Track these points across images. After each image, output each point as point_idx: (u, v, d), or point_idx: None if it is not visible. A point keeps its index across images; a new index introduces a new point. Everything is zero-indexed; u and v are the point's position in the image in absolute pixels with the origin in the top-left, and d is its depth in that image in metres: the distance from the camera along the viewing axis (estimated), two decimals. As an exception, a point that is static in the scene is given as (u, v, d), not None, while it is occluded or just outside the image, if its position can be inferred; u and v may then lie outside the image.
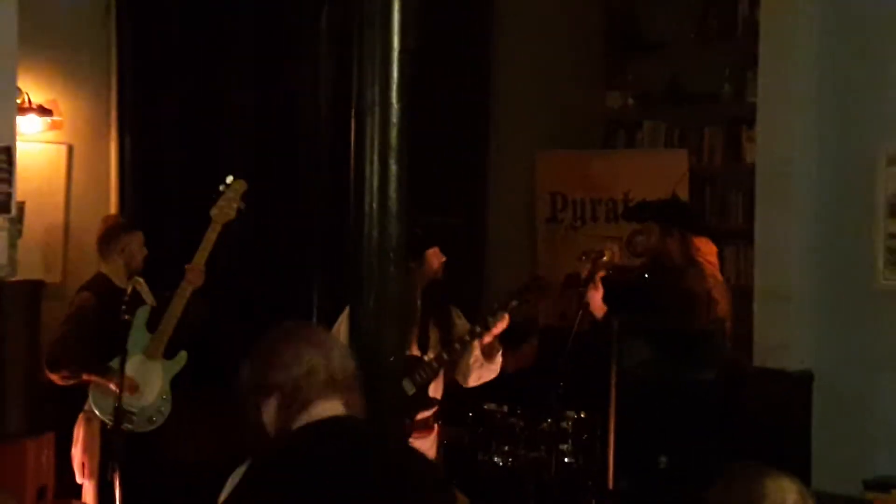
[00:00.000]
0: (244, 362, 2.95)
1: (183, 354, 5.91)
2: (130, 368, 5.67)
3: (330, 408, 2.85)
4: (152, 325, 5.84)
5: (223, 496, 2.76)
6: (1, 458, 5.01)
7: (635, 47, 8.53)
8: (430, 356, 5.58)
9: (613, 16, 8.64)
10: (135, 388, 5.70)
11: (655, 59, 8.43)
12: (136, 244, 6.05)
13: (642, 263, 6.31)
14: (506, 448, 6.38)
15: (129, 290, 5.62)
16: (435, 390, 5.64)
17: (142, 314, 5.81)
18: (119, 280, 5.98)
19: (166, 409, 5.83)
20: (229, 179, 5.90)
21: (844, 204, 5.31)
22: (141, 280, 5.89)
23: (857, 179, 5.26)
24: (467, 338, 5.55)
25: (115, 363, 5.68)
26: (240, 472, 2.78)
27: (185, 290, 5.81)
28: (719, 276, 6.31)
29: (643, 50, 8.50)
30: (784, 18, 5.51)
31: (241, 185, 5.89)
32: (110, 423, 5.74)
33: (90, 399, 5.80)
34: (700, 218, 7.36)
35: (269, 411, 2.88)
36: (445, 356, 5.54)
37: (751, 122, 6.35)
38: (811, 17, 5.38)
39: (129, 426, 5.75)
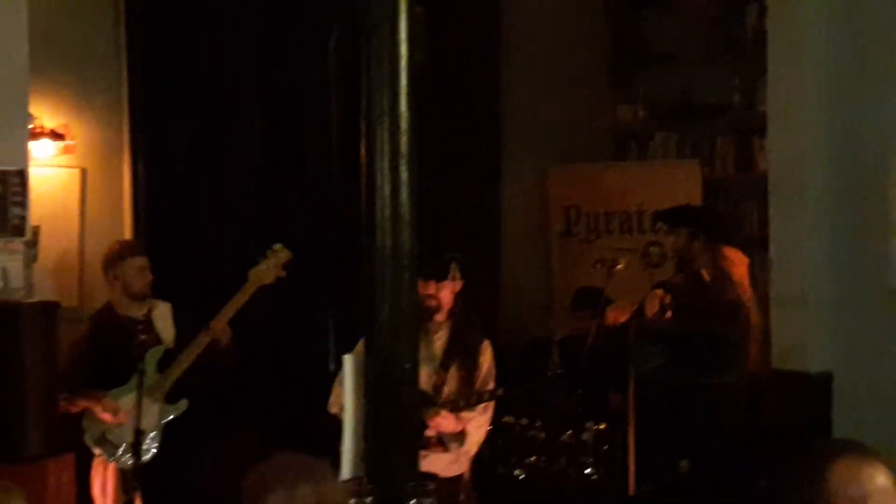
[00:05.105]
0: (244, 484, 2.83)
1: (183, 402, 5.81)
2: (124, 403, 5.64)
3: None
4: (164, 365, 5.79)
5: None
6: (22, 480, 4.96)
7: (644, 60, 8.53)
8: (444, 396, 5.45)
9: (620, 29, 8.65)
10: (118, 415, 5.62)
11: (664, 71, 8.43)
12: (131, 270, 5.90)
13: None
14: (526, 461, 6.36)
15: (144, 314, 5.65)
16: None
17: (154, 354, 5.77)
18: (121, 307, 5.95)
19: (152, 450, 5.67)
20: (276, 246, 5.81)
21: (858, 206, 5.28)
22: (164, 305, 5.89)
23: (869, 181, 5.23)
24: (482, 397, 5.42)
25: (113, 393, 5.68)
26: None
27: (202, 341, 5.73)
28: (747, 286, 6.32)
29: (652, 62, 8.50)
30: (791, 28, 5.50)
31: (286, 255, 5.80)
32: (95, 453, 5.75)
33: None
34: (731, 229, 7.27)
35: None
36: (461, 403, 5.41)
37: (762, 132, 6.34)
38: (818, 25, 5.37)
39: (110, 456, 5.73)
